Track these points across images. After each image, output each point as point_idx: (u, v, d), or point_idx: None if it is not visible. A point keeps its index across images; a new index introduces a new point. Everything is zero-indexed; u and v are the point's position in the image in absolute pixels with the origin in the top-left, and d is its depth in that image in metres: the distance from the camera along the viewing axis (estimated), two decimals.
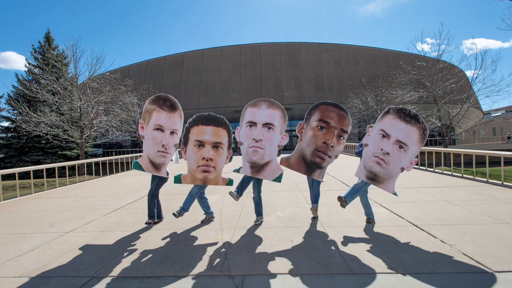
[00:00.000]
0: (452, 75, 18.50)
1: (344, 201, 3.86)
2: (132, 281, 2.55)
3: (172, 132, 4.02)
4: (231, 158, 4.11)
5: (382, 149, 3.78)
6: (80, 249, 3.43)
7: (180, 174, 4.08)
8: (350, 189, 4.02)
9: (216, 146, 3.90)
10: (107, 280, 2.60)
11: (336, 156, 4.00)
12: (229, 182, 4.06)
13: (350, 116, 3.95)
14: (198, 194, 4.21)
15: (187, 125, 3.95)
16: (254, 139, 3.88)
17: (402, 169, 3.82)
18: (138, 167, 4.23)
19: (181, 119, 4.10)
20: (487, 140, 36.09)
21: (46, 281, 2.60)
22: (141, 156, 4.29)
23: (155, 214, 4.39)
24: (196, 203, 4.35)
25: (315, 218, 4.30)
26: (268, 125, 3.89)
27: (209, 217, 4.40)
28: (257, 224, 4.15)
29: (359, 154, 4.09)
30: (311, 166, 4.01)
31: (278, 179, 4.05)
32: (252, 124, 3.91)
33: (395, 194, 3.94)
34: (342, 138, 3.92)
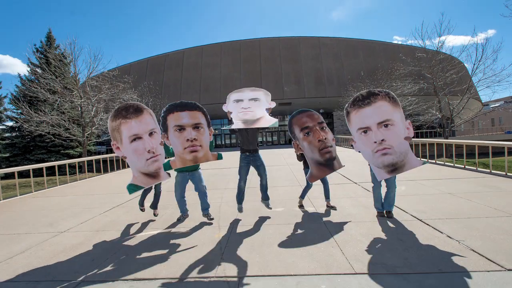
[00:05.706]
0: (452, 66, 18.09)
1: (389, 212, 4.02)
2: (121, 285, 2.42)
3: (151, 133, 3.89)
4: (212, 142, 4.09)
5: (375, 142, 3.71)
6: (72, 250, 3.31)
7: (169, 160, 3.94)
8: (375, 199, 4.13)
9: (196, 127, 3.92)
10: (96, 284, 2.47)
11: (333, 139, 4.35)
12: (219, 157, 4.11)
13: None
14: (184, 196, 4.23)
15: (162, 114, 3.88)
16: (243, 108, 4.25)
17: (407, 138, 3.73)
18: (135, 188, 3.94)
19: (152, 116, 3.99)
20: (486, 131, 35.65)
21: (32, 286, 2.48)
22: (132, 177, 3.96)
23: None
24: (190, 202, 4.27)
25: (333, 208, 4.54)
26: (254, 99, 4.32)
27: (184, 216, 4.27)
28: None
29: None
30: (328, 163, 4.24)
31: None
32: (239, 100, 4.30)
33: (424, 163, 3.89)
34: (324, 128, 4.25)
